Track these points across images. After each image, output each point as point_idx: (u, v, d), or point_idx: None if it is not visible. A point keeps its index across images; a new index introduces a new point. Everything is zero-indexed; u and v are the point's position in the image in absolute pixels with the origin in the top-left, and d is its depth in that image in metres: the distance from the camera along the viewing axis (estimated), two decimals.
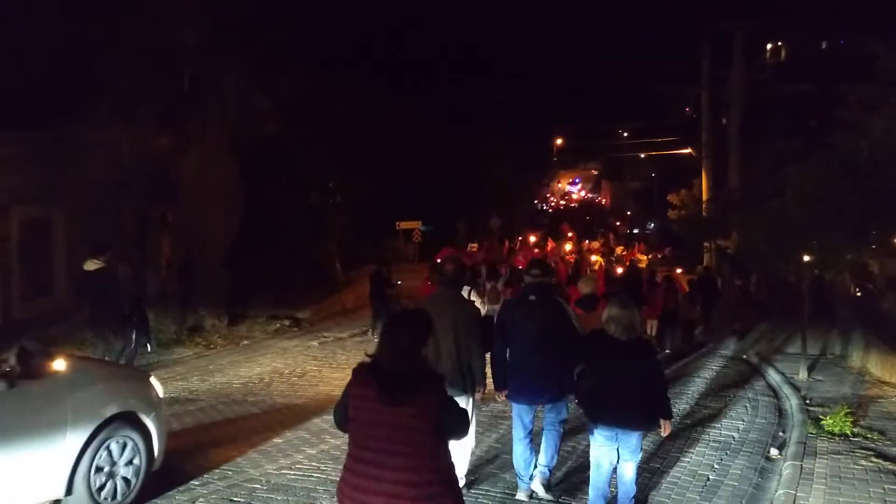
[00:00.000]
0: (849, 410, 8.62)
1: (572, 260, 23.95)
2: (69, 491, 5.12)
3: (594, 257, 28.65)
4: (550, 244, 31.80)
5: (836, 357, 13.55)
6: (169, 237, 16.09)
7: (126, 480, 5.53)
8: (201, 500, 5.78)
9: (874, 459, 7.20)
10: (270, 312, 16.25)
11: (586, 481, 5.63)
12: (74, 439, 5.11)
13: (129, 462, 5.55)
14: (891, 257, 16.00)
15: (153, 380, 6.26)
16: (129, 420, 5.54)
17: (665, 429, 5.30)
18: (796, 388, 10.76)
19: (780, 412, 9.62)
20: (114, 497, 5.43)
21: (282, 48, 16.59)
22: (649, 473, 6.90)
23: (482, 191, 39.61)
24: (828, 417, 8.42)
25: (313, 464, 6.84)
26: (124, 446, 5.50)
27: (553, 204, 73.68)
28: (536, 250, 30.28)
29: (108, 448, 5.36)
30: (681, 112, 32.74)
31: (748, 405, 9.97)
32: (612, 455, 5.29)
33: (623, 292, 7.65)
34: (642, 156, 54.02)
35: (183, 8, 14.45)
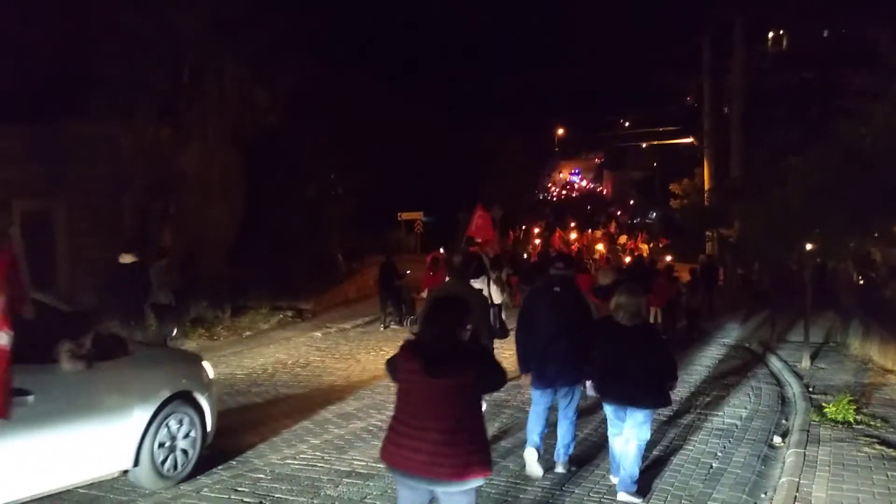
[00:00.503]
0: (852, 398, 8.62)
1: (575, 249, 24.05)
2: (136, 462, 5.62)
3: (598, 246, 28.80)
4: (558, 234, 31.98)
5: (839, 345, 13.55)
6: (170, 230, 16.08)
7: (184, 452, 6.04)
8: (206, 489, 5.80)
9: (877, 447, 7.21)
10: (273, 304, 16.25)
11: (596, 455, 6.52)
12: (141, 415, 5.63)
13: (187, 436, 6.05)
14: (893, 245, 15.98)
15: (205, 362, 6.76)
16: (185, 398, 6.04)
17: (671, 388, 5.97)
18: (799, 376, 10.77)
19: (783, 400, 9.63)
20: (174, 468, 5.92)
21: (282, 41, 16.55)
22: (652, 461, 6.91)
23: (484, 182, 39.55)
24: (830, 405, 8.42)
25: (317, 454, 6.86)
26: (182, 422, 6.00)
27: (555, 194, 73.59)
28: (538, 241, 30.37)
29: (168, 424, 5.86)
30: (682, 102, 32.66)
31: (751, 393, 9.98)
32: (621, 427, 5.87)
33: (631, 281, 7.95)
34: (644, 145, 53.96)
35: (182, 0, 14.41)
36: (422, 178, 33.50)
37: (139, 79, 14.13)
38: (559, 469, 6.40)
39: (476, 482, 3.85)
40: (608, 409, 5.99)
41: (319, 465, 6.51)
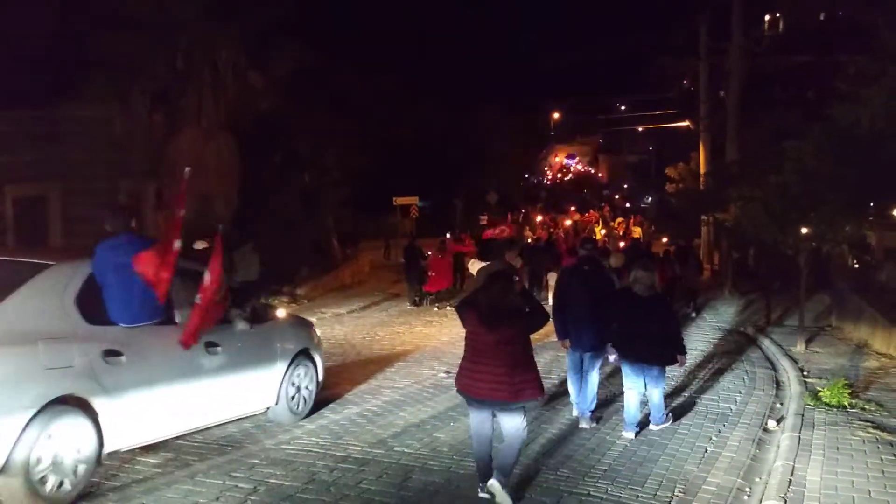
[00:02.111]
0: (846, 382, 8.65)
1: (571, 232, 24.24)
2: (277, 401, 7.19)
3: (599, 230, 29.07)
4: (564, 219, 32.39)
5: (834, 329, 13.61)
6: (164, 215, 16.01)
7: (306, 395, 7.60)
8: (200, 475, 5.79)
9: (872, 430, 7.24)
10: (268, 289, 16.23)
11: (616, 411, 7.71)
12: (281, 365, 7.20)
13: (307, 382, 7.62)
14: (889, 229, 16.00)
15: (314, 327, 8.52)
16: (305, 354, 7.63)
17: (681, 362, 7.30)
18: (794, 360, 10.81)
19: (778, 384, 9.66)
20: (300, 406, 7.49)
21: (276, 25, 16.42)
22: (647, 446, 6.93)
23: (479, 166, 39.47)
24: (825, 389, 8.45)
25: (312, 438, 6.86)
26: (305, 372, 7.57)
27: (550, 178, 73.47)
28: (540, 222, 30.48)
29: (296, 372, 7.41)
30: (679, 85, 32.52)
31: (746, 377, 10.02)
32: (640, 385, 7.04)
33: (644, 259, 9.32)
34: (640, 129, 53.83)
35: None
36: (417, 162, 33.40)
37: (134, 63, 14.02)
38: (583, 424, 7.39)
39: (525, 403, 5.30)
40: (626, 367, 7.12)
41: (315, 450, 6.51)
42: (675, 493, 5.79)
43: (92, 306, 5.48)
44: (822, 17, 25.75)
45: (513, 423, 5.29)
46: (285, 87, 18.00)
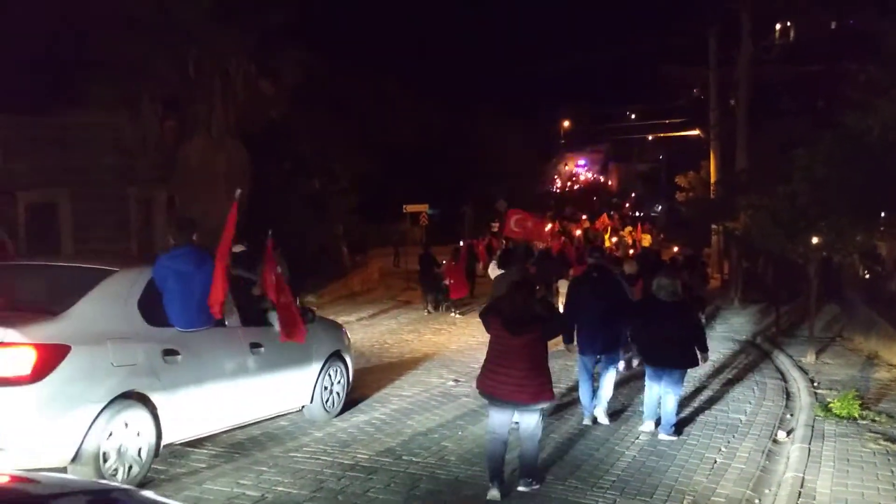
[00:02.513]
0: (857, 393, 8.59)
1: (582, 240, 24.35)
2: (311, 400, 7.58)
3: (615, 239, 29.21)
4: (575, 227, 32.56)
5: (844, 340, 13.50)
6: (174, 221, 16.10)
7: (338, 394, 7.98)
8: (209, 482, 5.80)
9: (882, 442, 7.18)
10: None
11: (625, 420, 8.04)
12: (316, 366, 7.59)
13: (339, 382, 7.98)
14: None
15: (345, 329, 8.84)
16: (337, 355, 8.00)
17: (703, 360, 7.68)
18: (804, 371, 10.74)
19: (788, 395, 9.60)
20: (332, 405, 7.86)
21: (285, 33, 16.49)
22: (656, 456, 6.90)
23: (488, 174, 39.48)
24: (836, 400, 8.39)
25: (320, 447, 6.85)
26: (336, 372, 7.94)
27: (559, 186, 73.42)
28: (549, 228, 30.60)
29: (329, 373, 7.79)
30: (689, 94, 32.46)
31: (755, 388, 9.96)
32: (659, 385, 7.36)
33: (668, 268, 9.94)
34: (650, 138, 53.73)
35: None
36: (427, 170, 33.43)
37: (145, 70, 14.11)
38: (603, 420, 7.76)
39: (544, 404, 5.86)
40: (649, 369, 7.52)
41: (322, 457, 6.51)
42: None
43: (152, 309, 5.94)
44: (832, 26, 25.68)
45: (531, 423, 5.77)
46: (293, 94, 18.07)
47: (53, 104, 13.18)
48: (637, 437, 7.49)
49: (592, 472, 6.43)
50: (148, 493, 2.91)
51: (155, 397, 5.67)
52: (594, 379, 8.04)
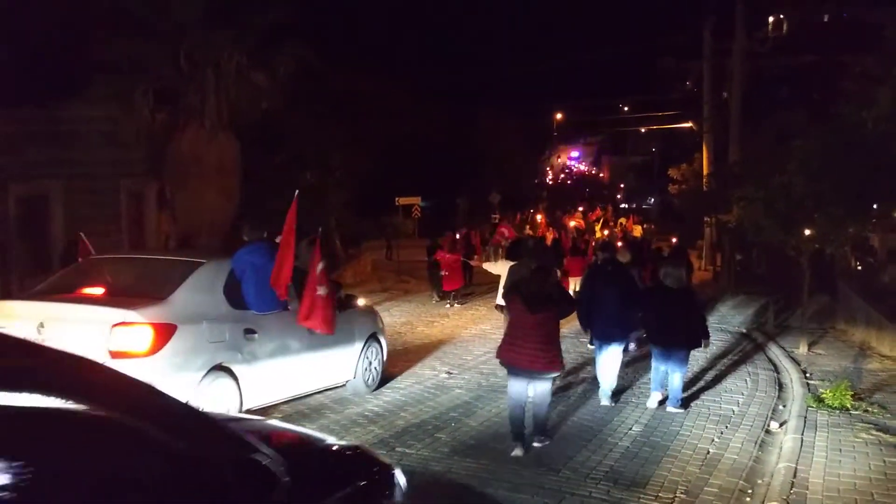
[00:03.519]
0: (849, 384, 8.62)
1: (574, 232, 24.50)
2: (354, 375, 8.48)
3: (606, 231, 29.43)
4: (576, 221, 32.91)
5: (837, 331, 13.56)
6: (167, 214, 16.00)
7: (376, 370, 8.92)
8: None
9: (874, 432, 7.22)
10: None
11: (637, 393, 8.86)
12: (358, 345, 8.48)
13: (376, 359, 8.91)
14: (892, 231, 15.94)
15: (379, 314, 9.72)
16: (374, 336, 8.88)
17: (706, 345, 8.42)
18: (796, 362, 10.77)
19: (780, 386, 9.63)
20: (371, 380, 8.78)
21: (280, 25, 16.37)
22: (649, 447, 6.92)
23: (482, 166, 39.44)
24: (828, 391, 8.42)
25: None
26: (375, 351, 8.86)
27: (552, 178, 73.43)
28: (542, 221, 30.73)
29: (368, 351, 8.68)
30: (682, 86, 32.47)
31: (748, 379, 9.98)
32: (666, 364, 8.00)
33: (673, 258, 11.07)
34: (643, 130, 53.72)
35: None
36: (419, 163, 33.37)
37: (137, 63, 14.00)
38: (604, 402, 8.32)
39: (554, 373, 6.82)
40: (656, 350, 8.15)
41: None
42: (677, 495, 5.77)
43: (233, 294, 6.92)
44: (826, 18, 25.69)
45: (544, 389, 6.73)
46: (287, 86, 17.96)
47: (45, 97, 13.07)
48: (630, 429, 7.51)
49: (585, 462, 6.44)
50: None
51: (237, 369, 6.58)
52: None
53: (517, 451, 6.46)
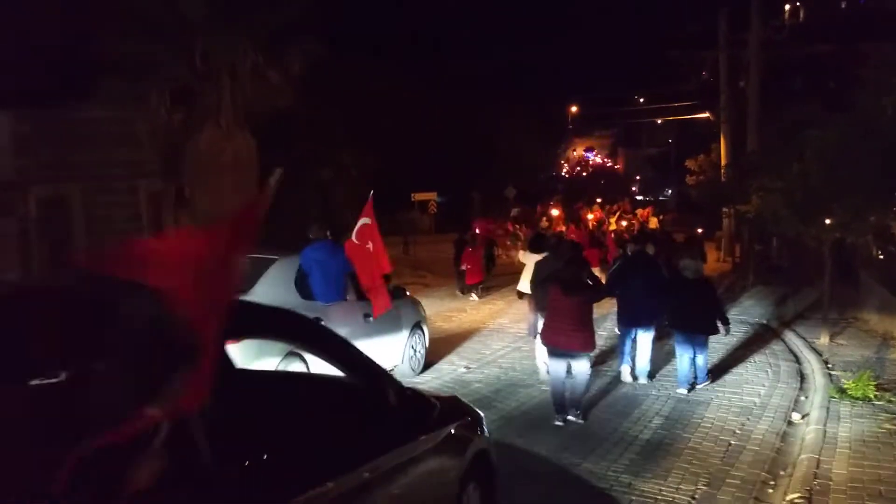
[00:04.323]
0: (872, 374, 8.55)
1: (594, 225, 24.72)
2: (402, 361, 9.03)
3: (624, 223, 29.55)
4: (593, 214, 33.14)
5: (859, 321, 13.43)
6: (184, 213, 16.12)
7: (421, 355, 9.54)
8: None
9: None
10: None
11: (657, 386, 9.03)
12: (405, 332, 9.08)
13: (421, 345, 9.54)
14: None
15: (422, 304, 10.26)
16: (418, 325, 9.50)
17: (726, 331, 8.88)
18: (818, 353, 10.69)
19: (802, 377, 9.56)
20: (416, 365, 9.37)
21: (293, 21, 16.41)
22: (671, 439, 6.90)
23: (497, 160, 39.35)
24: (850, 381, 8.36)
25: None
26: (419, 339, 9.48)
27: (567, 171, 73.18)
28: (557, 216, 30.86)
29: (413, 338, 9.27)
30: (698, 76, 32.22)
31: (769, 370, 9.92)
32: (690, 351, 8.51)
33: (691, 250, 12.22)
34: (659, 122, 53.38)
35: None
36: (435, 158, 33.34)
37: (152, 63, 14.09)
38: (642, 381, 8.98)
39: (589, 352, 7.44)
40: (679, 337, 8.60)
41: None
42: (699, 487, 5.76)
43: (302, 287, 7.63)
44: (843, 5, 25.40)
45: (582, 368, 7.37)
46: (302, 84, 18.02)
47: (64, 99, 13.19)
48: (651, 421, 7.50)
49: (607, 454, 6.44)
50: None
51: (307, 354, 6.86)
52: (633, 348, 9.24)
53: (558, 422, 7.28)
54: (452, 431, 4.00)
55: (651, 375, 9.17)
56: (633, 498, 5.54)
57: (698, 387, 8.68)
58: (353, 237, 8.55)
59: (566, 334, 7.21)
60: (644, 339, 9.05)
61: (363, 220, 8.92)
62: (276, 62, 17.13)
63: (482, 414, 4.61)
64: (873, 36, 14.46)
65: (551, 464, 6.16)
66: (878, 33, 13.61)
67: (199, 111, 15.83)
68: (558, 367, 7.39)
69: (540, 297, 8.67)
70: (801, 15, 27.85)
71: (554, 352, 7.44)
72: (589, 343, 7.31)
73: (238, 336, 3.37)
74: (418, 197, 28.25)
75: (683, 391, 8.54)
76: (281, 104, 17.81)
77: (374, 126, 24.96)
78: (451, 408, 4.24)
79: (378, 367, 3.81)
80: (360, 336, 7.87)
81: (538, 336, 8.84)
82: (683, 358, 8.58)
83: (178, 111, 15.60)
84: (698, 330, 8.50)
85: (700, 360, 8.70)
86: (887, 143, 10.15)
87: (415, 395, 3.95)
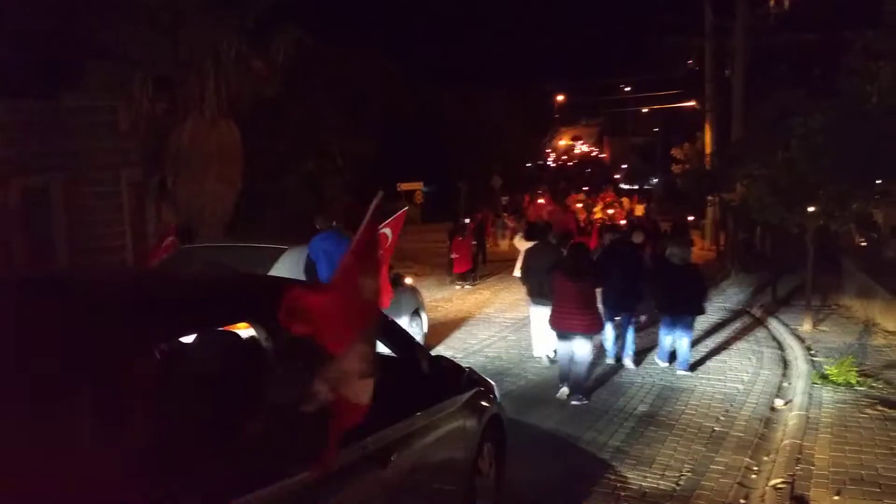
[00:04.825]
0: (854, 360, 8.63)
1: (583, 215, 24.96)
2: None
3: (611, 211, 29.68)
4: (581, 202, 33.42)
5: (841, 308, 13.54)
6: (168, 204, 15.99)
7: (420, 338, 9.62)
8: None
9: (879, 408, 7.23)
10: None
11: (641, 373, 9.23)
12: (405, 319, 9.20)
13: (420, 332, 9.82)
14: (895, 206, 15.85)
15: (420, 292, 10.77)
16: (417, 312, 9.95)
17: (704, 310, 9.35)
18: (800, 339, 10.77)
19: (785, 363, 9.63)
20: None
21: (279, 10, 16.29)
22: (655, 426, 6.93)
23: (483, 150, 39.31)
24: (832, 367, 8.43)
25: None
26: (418, 323, 9.90)
27: (554, 160, 73.24)
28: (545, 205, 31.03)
29: (413, 323, 9.60)
30: (684, 65, 32.24)
31: (752, 357, 9.99)
32: (673, 332, 8.99)
33: (680, 237, 12.74)
34: (645, 110, 53.45)
35: None
36: (420, 148, 33.28)
37: (136, 52, 13.94)
38: (628, 363, 9.29)
39: (594, 333, 7.96)
40: (665, 319, 9.12)
41: None
42: (683, 473, 5.79)
43: (310, 274, 7.90)
44: None
45: (584, 349, 7.78)
46: (287, 73, 17.90)
47: (44, 87, 13.03)
48: (635, 409, 7.53)
49: (592, 442, 6.47)
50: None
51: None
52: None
53: (564, 390, 7.90)
54: (474, 396, 4.59)
55: (637, 362, 9.38)
56: (619, 485, 5.57)
57: (679, 372, 8.89)
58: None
59: (570, 317, 7.71)
60: (625, 325, 9.38)
61: (385, 230, 8.95)
62: (261, 51, 17.01)
63: (494, 384, 5.19)
64: (857, 24, 14.48)
65: (534, 452, 6.16)
66: (863, 22, 13.64)
67: (182, 101, 15.70)
68: (565, 346, 7.92)
69: (533, 283, 9.10)
70: (787, 3, 27.88)
71: (561, 335, 7.96)
72: (594, 325, 7.79)
73: None
74: (405, 187, 28.24)
75: (664, 363, 9.22)
76: (266, 94, 17.71)
77: (360, 116, 24.83)
78: (470, 377, 4.81)
79: (413, 340, 4.42)
80: None
81: (532, 320, 9.66)
82: (667, 337, 9.13)
83: (161, 100, 15.46)
84: (684, 311, 8.91)
85: (684, 342, 8.99)
86: (872, 130, 10.20)
87: (447, 364, 4.67)
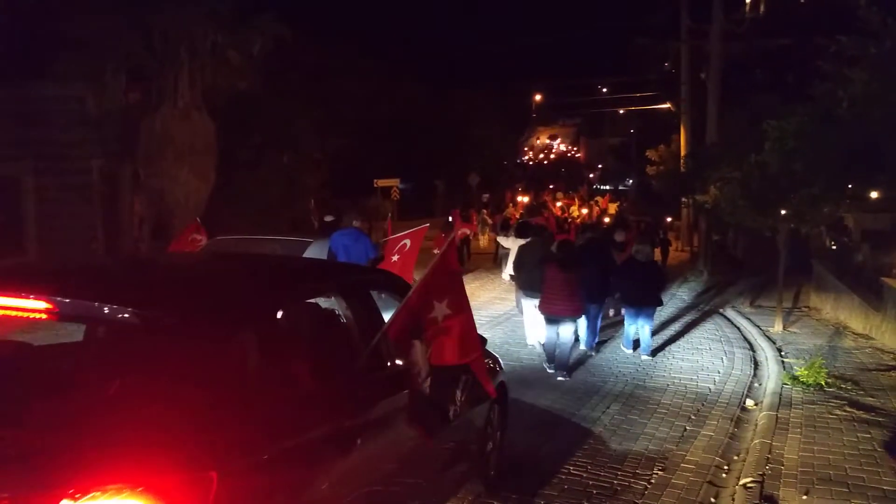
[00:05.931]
0: (823, 362, 8.72)
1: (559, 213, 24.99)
2: None
3: (585, 210, 29.86)
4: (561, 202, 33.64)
5: (812, 310, 13.72)
6: (140, 195, 15.76)
7: None
8: None
9: (847, 409, 7.31)
10: None
11: (615, 373, 9.37)
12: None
13: None
14: (865, 211, 16.08)
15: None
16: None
17: (662, 302, 10.80)
18: (771, 341, 10.88)
19: (756, 364, 9.72)
20: None
21: (257, 1, 16.15)
22: (627, 425, 6.95)
23: (460, 148, 39.32)
24: (802, 369, 8.52)
25: None
26: None
27: (531, 159, 73.45)
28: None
29: None
30: (660, 67, 32.45)
31: (724, 357, 10.07)
32: (636, 321, 9.90)
33: (644, 236, 13.74)
34: (621, 111, 53.78)
35: None
36: (397, 144, 33.20)
37: (108, 41, 13.73)
38: (586, 349, 10.00)
39: (577, 317, 8.93)
40: (629, 309, 10.05)
41: None
42: (655, 472, 5.81)
43: None
44: (802, 0, 25.74)
45: (569, 331, 8.65)
46: (263, 67, 17.73)
47: (16, 76, 12.79)
48: (608, 407, 7.55)
49: (564, 439, 6.46)
50: None
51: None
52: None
53: (551, 369, 8.72)
54: (490, 363, 5.22)
55: (596, 349, 10.20)
56: (591, 482, 5.57)
57: (643, 357, 9.73)
58: (388, 240, 9.78)
59: (557, 303, 8.58)
60: (594, 315, 10.12)
61: (405, 241, 9.62)
62: (238, 43, 16.82)
63: (498, 356, 5.88)
64: (831, 30, 14.66)
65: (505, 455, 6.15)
66: (836, 28, 13.80)
67: (155, 90, 15.49)
68: (552, 329, 8.77)
69: (525, 277, 9.77)
70: (762, 8, 28.15)
71: (548, 318, 8.82)
72: (577, 310, 8.70)
73: (374, 289, 4.66)
74: (381, 183, 28.09)
75: (629, 350, 10.08)
76: (242, 86, 17.53)
77: (337, 111, 24.69)
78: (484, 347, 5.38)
79: None
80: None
81: (524, 311, 10.38)
82: (631, 327, 10.08)
83: (134, 90, 15.24)
84: (646, 302, 9.82)
85: (646, 330, 9.95)
86: (844, 135, 10.33)
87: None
